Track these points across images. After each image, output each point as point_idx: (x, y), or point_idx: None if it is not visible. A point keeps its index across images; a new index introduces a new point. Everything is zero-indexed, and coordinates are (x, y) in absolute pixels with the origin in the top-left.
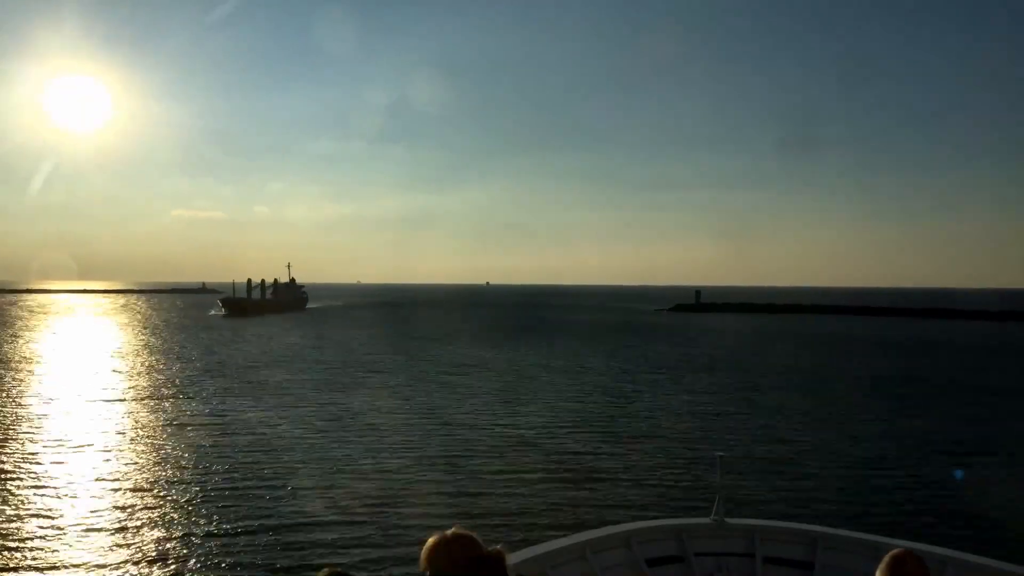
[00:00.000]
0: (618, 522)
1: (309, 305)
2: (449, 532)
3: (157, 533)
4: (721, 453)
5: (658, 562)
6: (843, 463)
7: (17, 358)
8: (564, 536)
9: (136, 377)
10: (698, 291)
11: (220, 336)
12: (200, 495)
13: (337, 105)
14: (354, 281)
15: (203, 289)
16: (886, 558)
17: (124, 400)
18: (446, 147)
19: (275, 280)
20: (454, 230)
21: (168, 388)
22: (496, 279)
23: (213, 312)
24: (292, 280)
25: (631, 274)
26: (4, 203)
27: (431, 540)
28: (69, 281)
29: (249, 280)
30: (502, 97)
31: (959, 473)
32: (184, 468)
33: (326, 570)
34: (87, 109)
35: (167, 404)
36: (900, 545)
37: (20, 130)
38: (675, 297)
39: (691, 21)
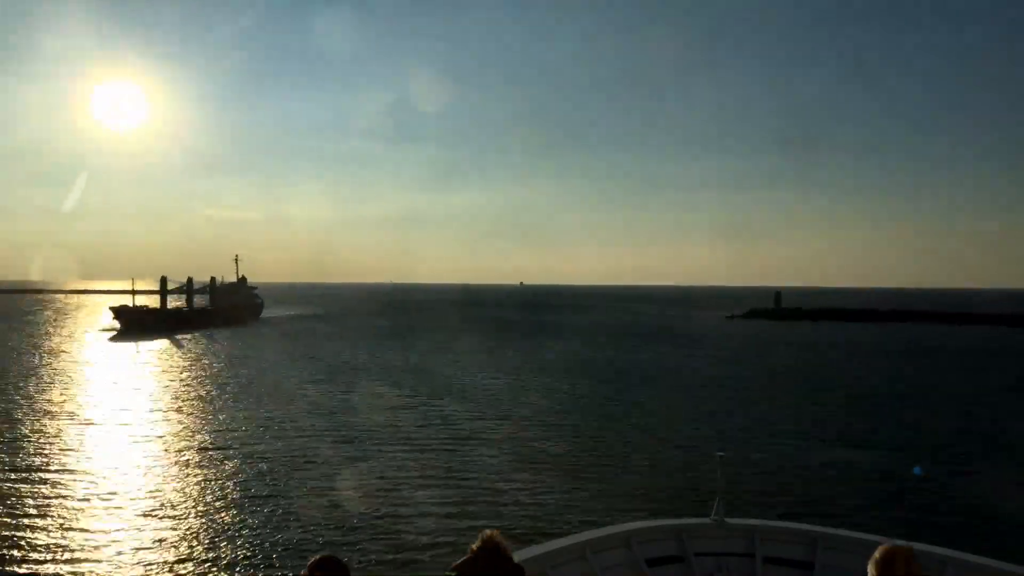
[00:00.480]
0: (618, 522)
1: (268, 313)
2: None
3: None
4: (721, 453)
5: (658, 562)
6: (843, 463)
7: None
8: (564, 536)
9: None
10: (778, 292)
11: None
12: None
13: (363, 108)
14: (385, 281)
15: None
16: (876, 553)
17: None
18: (471, 147)
19: (212, 279)
20: (488, 230)
21: None
22: (529, 279)
23: (101, 328)
24: (242, 279)
25: (679, 275)
26: (43, 204)
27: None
28: (102, 282)
29: (164, 279)
30: (525, 98)
31: (917, 470)
32: None
33: (319, 557)
34: (126, 112)
35: None
36: (900, 545)
37: (63, 133)
38: (729, 297)
39: (697, 22)
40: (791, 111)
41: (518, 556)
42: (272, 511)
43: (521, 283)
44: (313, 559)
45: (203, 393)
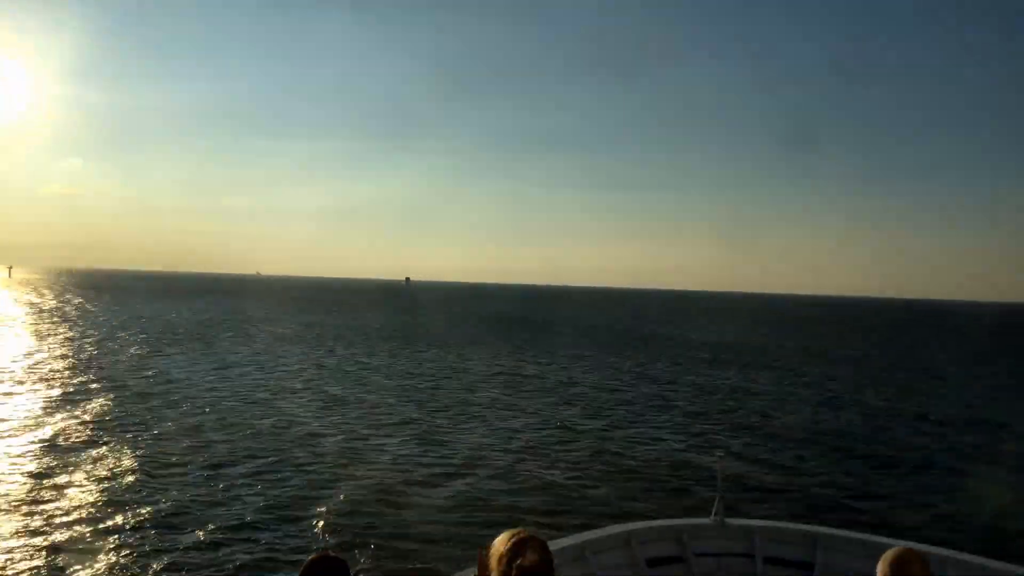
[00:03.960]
0: (618, 522)
1: None
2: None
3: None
4: (721, 454)
5: (658, 562)
6: (843, 463)
7: None
8: (564, 536)
9: None
10: None
11: None
12: None
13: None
14: (315, 275)
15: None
16: (888, 555)
17: None
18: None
19: None
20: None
21: None
22: (520, 278)
23: None
24: None
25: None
26: None
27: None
28: None
29: None
30: (517, 96)
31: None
32: None
33: (316, 555)
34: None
35: None
36: (900, 545)
37: None
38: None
39: (694, 20)
40: (790, 110)
41: None
42: (253, 502)
43: (407, 279)
44: (310, 558)
45: None
